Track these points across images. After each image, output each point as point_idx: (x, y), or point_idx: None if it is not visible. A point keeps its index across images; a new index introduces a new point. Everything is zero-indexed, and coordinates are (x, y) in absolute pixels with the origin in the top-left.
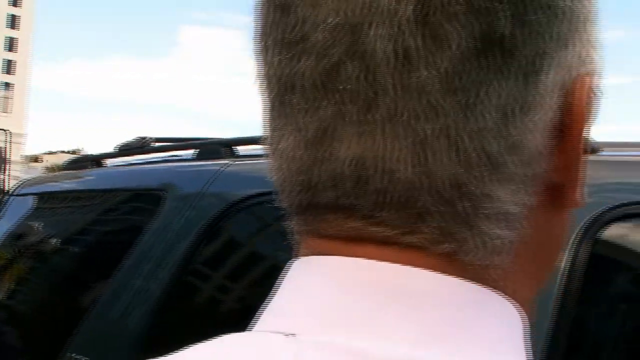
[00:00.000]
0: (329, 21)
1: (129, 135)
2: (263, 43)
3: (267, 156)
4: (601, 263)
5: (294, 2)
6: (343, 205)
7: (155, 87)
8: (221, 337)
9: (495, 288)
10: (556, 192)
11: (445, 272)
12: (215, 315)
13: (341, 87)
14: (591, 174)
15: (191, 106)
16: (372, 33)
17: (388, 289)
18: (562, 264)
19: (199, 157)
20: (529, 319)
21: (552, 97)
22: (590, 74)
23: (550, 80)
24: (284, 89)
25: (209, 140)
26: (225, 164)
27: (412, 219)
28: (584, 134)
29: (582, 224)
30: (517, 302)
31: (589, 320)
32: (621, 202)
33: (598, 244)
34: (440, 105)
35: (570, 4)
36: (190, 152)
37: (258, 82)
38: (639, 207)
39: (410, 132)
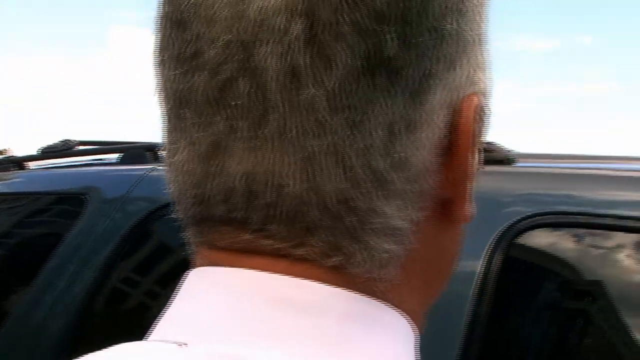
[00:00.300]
0: (222, 38)
1: (55, 138)
2: (160, 57)
3: (165, 168)
4: (514, 270)
5: (190, 19)
6: (235, 218)
7: (84, 87)
8: (115, 346)
9: (383, 300)
10: (445, 208)
11: (335, 285)
12: (139, 318)
13: (233, 103)
14: (507, 184)
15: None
16: (263, 51)
17: (278, 300)
18: (478, 270)
19: (123, 161)
20: (419, 331)
21: (439, 116)
22: (478, 93)
23: (437, 100)
24: (179, 103)
25: (134, 144)
26: (150, 168)
27: (302, 232)
28: (472, 152)
29: (496, 232)
30: (406, 314)
31: (502, 324)
32: (534, 212)
33: (512, 251)
34: (327, 122)
35: (457, 27)
36: (114, 156)
37: (157, 95)
38: (552, 217)
39: (299, 149)
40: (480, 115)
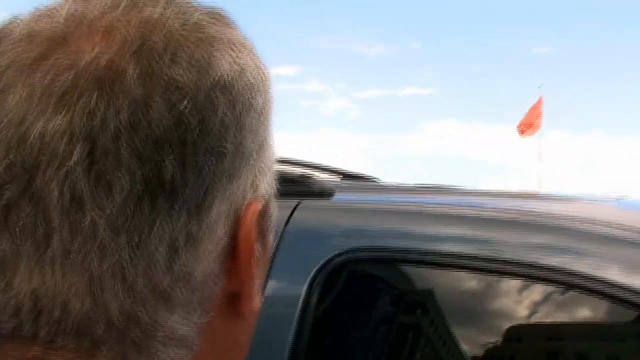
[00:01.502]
0: (4, 161)
1: None
2: None
3: None
4: (334, 304)
5: None
6: (25, 332)
7: None
8: None
9: None
10: (233, 304)
11: None
12: None
13: (17, 225)
14: (326, 218)
15: None
16: (45, 175)
17: None
18: (298, 305)
19: None
20: None
21: (221, 227)
22: (260, 199)
23: (218, 213)
24: None
25: None
26: None
27: (90, 345)
28: (255, 254)
29: (317, 266)
30: None
31: (322, 358)
32: (352, 247)
33: (331, 287)
34: (110, 245)
35: (237, 142)
36: None
37: None
38: (370, 253)
39: (83, 269)
40: (262, 218)
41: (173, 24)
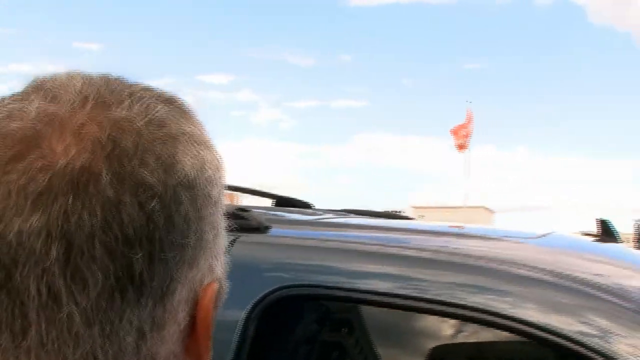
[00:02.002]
0: None
1: None
2: None
3: None
4: (268, 340)
5: None
6: None
7: None
8: None
9: None
10: None
11: None
12: None
13: None
14: (261, 254)
15: None
16: (23, 272)
17: None
18: (233, 341)
19: None
20: None
21: (182, 311)
22: (215, 279)
23: (179, 299)
24: None
25: None
26: None
27: None
28: (211, 331)
29: (251, 302)
30: None
31: None
32: (287, 283)
33: (265, 322)
34: (83, 335)
35: (199, 235)
36: None
37: None
38: (304, 289)
39: (58, 357)
40: (217, 297)
41: (139, 124)
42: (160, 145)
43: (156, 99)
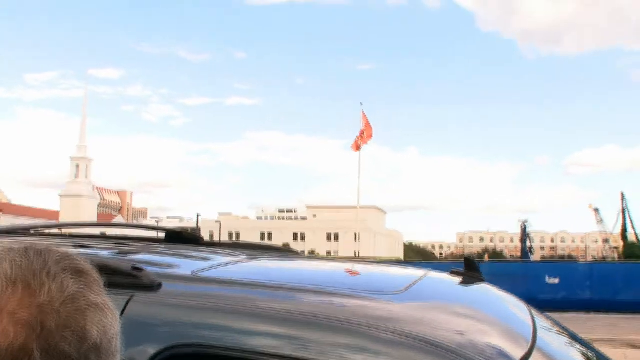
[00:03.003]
0: None
1: None
2: None
3: None
4: None
5: None
6: None
7: None
8: None
9: None
10: None
11: None
12: None
13: None
14: (153, 313)
15: None
16: None
17: None
18: None
19: None
20: None
21: None
22: None
23: None
24: None
25: None
26: None
27: None
28: None
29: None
30: None
31: None
32: (177, 342)
33: None
34: None
35: None
36: None
37: None
38: (190, 349)
39: None
40: None
41: (58, 304)
42: (74, 321)
43: (70, 274)
